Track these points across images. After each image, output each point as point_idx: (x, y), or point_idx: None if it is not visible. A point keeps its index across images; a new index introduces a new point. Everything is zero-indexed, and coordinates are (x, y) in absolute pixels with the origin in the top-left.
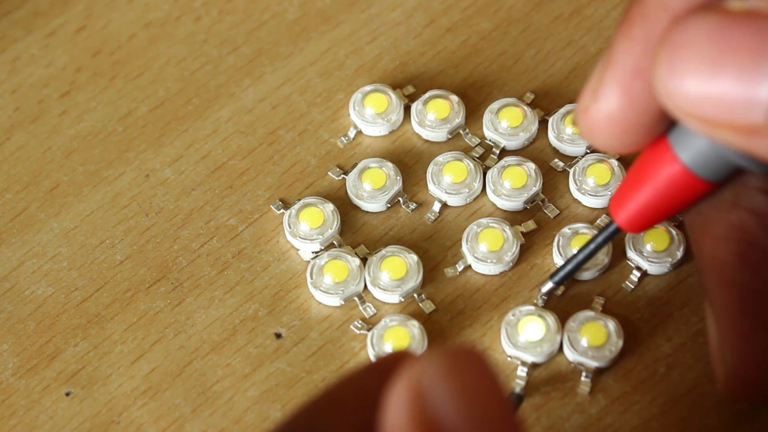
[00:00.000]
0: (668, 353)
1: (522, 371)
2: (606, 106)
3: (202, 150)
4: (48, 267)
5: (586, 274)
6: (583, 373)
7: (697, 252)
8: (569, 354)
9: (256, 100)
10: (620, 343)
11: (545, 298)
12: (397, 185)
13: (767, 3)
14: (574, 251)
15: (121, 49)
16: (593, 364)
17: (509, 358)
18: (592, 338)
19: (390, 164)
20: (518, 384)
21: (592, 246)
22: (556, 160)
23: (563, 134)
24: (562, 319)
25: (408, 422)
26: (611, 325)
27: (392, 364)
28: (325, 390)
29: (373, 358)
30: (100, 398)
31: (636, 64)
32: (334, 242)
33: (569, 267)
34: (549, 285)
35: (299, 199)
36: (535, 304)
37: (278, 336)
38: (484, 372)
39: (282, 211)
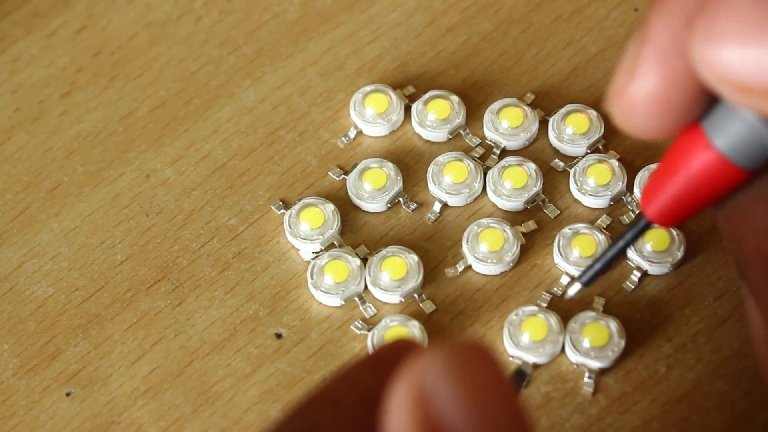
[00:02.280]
0: (669, 353)
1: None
2: (644, 85)
3: (202, 150)
4: (48, 267)
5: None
6: (586, 374)
7: (736, 246)
8: (572, 355)
9: (256, 100)
10: (622, 343)
11: (575, 298)
12: (398, 185)
13: None
14: (575, 251)
15: (122, 49)
16: (596, 364)
17: (511, 358)
18: (594, 339)
19: (390, 164)
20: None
21: (621, 243)
22: (557, 160)
23: (563, 134)
24: (563, 319)
25: (412, 427)
26: (613, 325)
27: (392, 356)
28: (323, 387)
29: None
30: (101, 398)
31: (674, 38)
32: (335, 242)
33: (597, 267)
34: (577, 287)
35: (300, 200)
36: (538, 305)
37: (279, 336)
38: (492, 369)
39: (282, 211)
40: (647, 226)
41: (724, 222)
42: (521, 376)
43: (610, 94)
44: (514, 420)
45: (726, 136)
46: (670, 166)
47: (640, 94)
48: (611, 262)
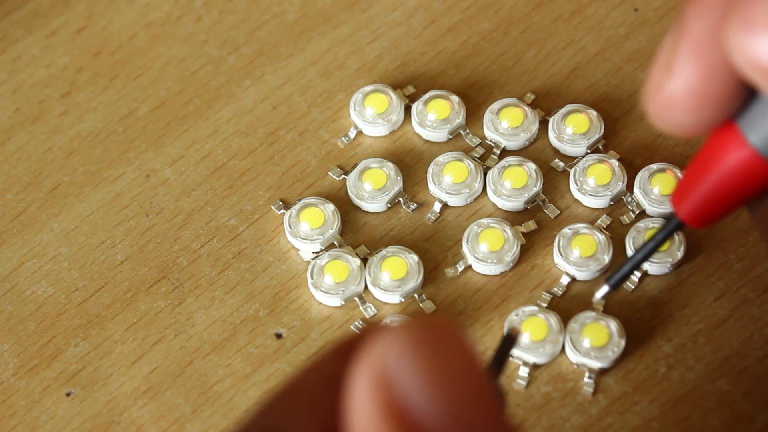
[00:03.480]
0: (669, 353)
1: (524, 371)
2: (683, 80)
3: (202, 150)
4: (48, 267)
5: (586, 274)
6: (586, 374)
7: None
8: (572, 355)
9: (256, 100)
10: (622, 343)
11: (602, 301)
12: (398, 185)
13: None
14: (575, 251)
15: (122, 49)
16: (596, 364)
17: (511, 358)
18: (595, 339)
19: (390, 164)
20: (519, 384)
21: (651, 244)
22: (557, 160)
23: (564, 134)
24: (563, 320)
25: (374, 414)
26: (613, 325)
27: (359, 343)
28: (288, 382)
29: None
30: (101, 398)
31: (711, 31)
32: (335, 242)
33: (626, 269)
34: (605, 289)
35: (300, 200)
36: (538, 305)
37: (279, 336)
38: (457, 345)
39: (282, 211)
40: (678, 227)
41: (759, 222)
42: (510, 341)
43: (647, 92)
44: (483, 398)
45: (761, 133)
46: (703, 164)
47: (678, 89)
48: (640, 263)
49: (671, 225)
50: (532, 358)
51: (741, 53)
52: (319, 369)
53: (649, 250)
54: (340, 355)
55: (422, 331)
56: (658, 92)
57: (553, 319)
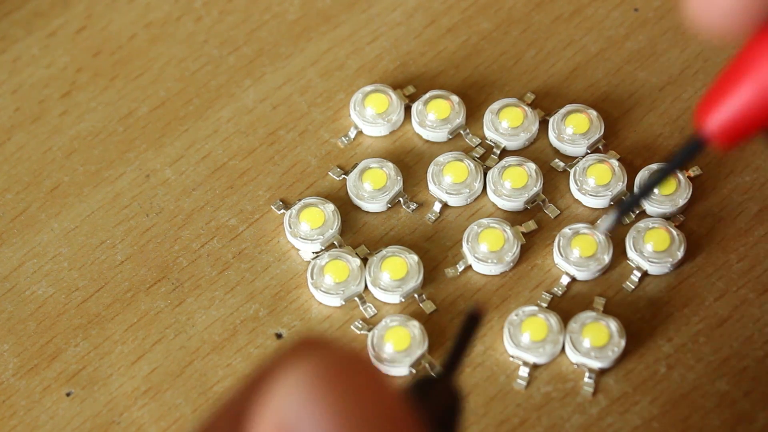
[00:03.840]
0: (669, 353)
1: (524, 371)
2: None
3: (202, 150)
4: (48, 267)
5: (586, 274)
6: (586, 374)
7: None
8: (572, 355)
9: (256, 100)
10: (622, 343)
11: (607, 229)
12: (398, 185)
13: None
14: (575, 251)
15: (122, 49)
16: (596, 364)
17: (511, 358)
18: (595, 339)
19: (390, 164)
20: (519, 384)
21: (669, 165)
22: (557, 160)
23: (564, 134)
24: (563, 319)
25: None
26: (613, 325)
27: (263, 378)
28: (202, 422)
29: (373, 359)
30: (101, 398)
31: None
32: (335, 242)
33: (638, 193)
34: (612, 218)
35: (300, 200)
36: (538, 305)
37: (279, 336)
38: (366, 383)
39: (282, 211)
40: (701, 147)
41: None
42: (473, 322)
43: None
44: None
45: None
46: (736, 74)
47: None
48: (653, 187)
49: (691, 145)
50: (532, 358)
51: None
52: (228, 408)
53: (665, 172)
54: (244, 393)
55: (323, 374)
56: None
57: (553, 319)
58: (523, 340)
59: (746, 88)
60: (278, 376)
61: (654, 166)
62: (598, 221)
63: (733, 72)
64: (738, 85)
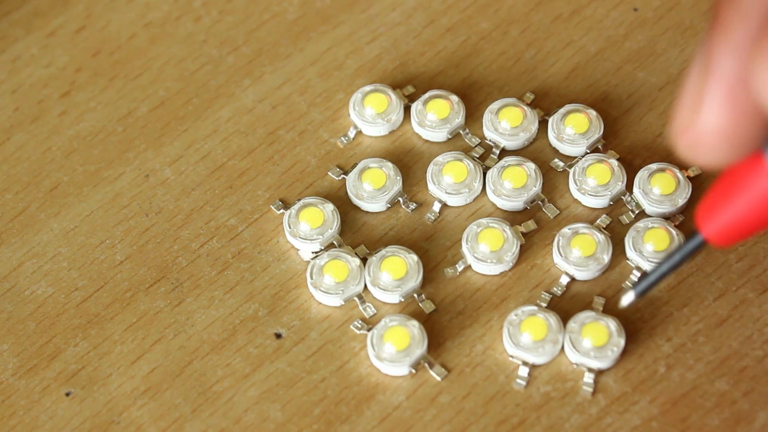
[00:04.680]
0: (668, 353)
1: (524, 371)
2: (712, 119)
3: (202, 150)
4: (48, 267)
5: (585, 274)
6: (586, 374)
7: None
8: (571, 355)
9: (256, 100)
10: (622, 342)
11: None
12: (397, 185)
13: None
14: (575, 251)
15: (121, 49)
16: (595, 364)
17: (511, 358)
18: (594, 339)
19: (390, 164)
20: (519, 384)
21: (677, 257)
22: (556, 160)
23: (563, 134)
24: (563, 319)
25: None
26: (612, 325)
27: None
28: None
29: (373, 359)
30: (100, 398)
31: (740, 70)
32: (334, 242)
33: (652, 278)
34: (631, 297)
35: (299, 199)
36: (538, 304)
37: (278, 336)
38: None
39: (282, 211)
40: (703, 245)
41: None
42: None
43: (675, 129)
44: None
45: None
46: (730, 190)
47: (708, 129)
48: (664, 276)
49: (695, 243)
50: (531, 358)
51: (766, 91)
52: None
53: (673, 265)
54: None
55: None
56: (687, 130)
57: (553, 319)
58: (522, 339)
59: (737, 207)
60: None
61: (654, 166)
62: (622, 299)
63: (724, 189)
64: (729, 203)
